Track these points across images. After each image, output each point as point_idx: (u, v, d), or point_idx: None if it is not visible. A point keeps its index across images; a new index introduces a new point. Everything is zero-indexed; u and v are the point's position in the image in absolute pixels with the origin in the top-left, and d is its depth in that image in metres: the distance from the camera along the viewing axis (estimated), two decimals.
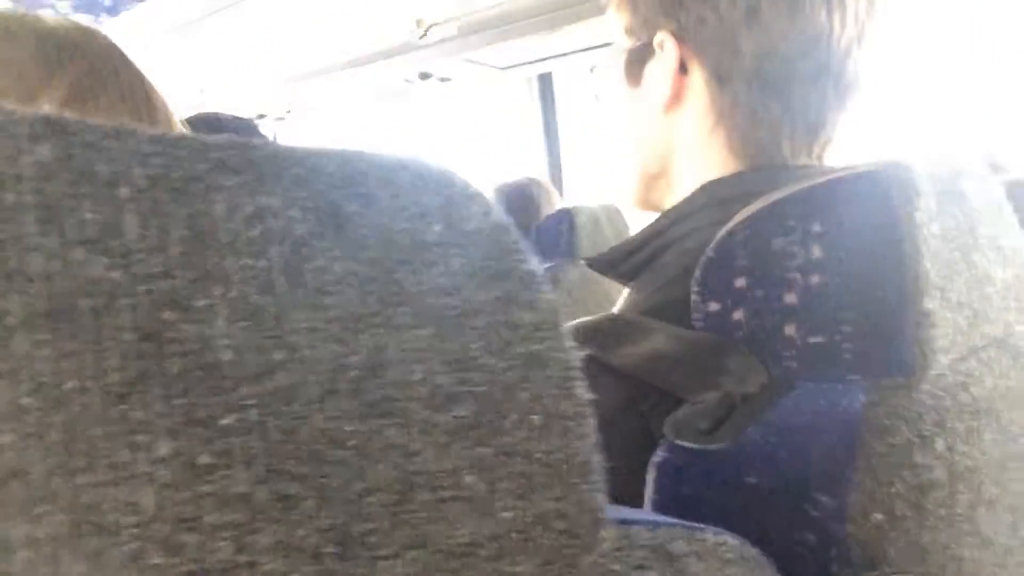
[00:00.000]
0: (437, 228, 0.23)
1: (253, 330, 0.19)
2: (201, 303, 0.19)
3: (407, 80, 2.17)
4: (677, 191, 0.72)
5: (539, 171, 2.54)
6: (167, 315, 0.19)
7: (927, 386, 0.50)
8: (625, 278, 0.68)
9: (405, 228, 0.23)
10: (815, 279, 0.52)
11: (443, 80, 2.14)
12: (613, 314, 0.60)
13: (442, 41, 1.93)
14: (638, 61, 0.72)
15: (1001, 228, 0.59)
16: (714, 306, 0.54)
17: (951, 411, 0.51)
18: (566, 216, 1.59)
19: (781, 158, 0.68)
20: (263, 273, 0.20)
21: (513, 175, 1.93)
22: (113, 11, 2.52)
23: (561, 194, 2.12)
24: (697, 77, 0.68)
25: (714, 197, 0.66)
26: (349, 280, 0.21)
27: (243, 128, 1.24)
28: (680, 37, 0.68)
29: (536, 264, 0.26)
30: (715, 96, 0.68)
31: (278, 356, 0.20)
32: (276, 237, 0.20)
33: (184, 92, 2.71)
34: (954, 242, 0.53)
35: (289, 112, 2.61)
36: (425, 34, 1.92)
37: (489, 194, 0.25)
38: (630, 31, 0.73)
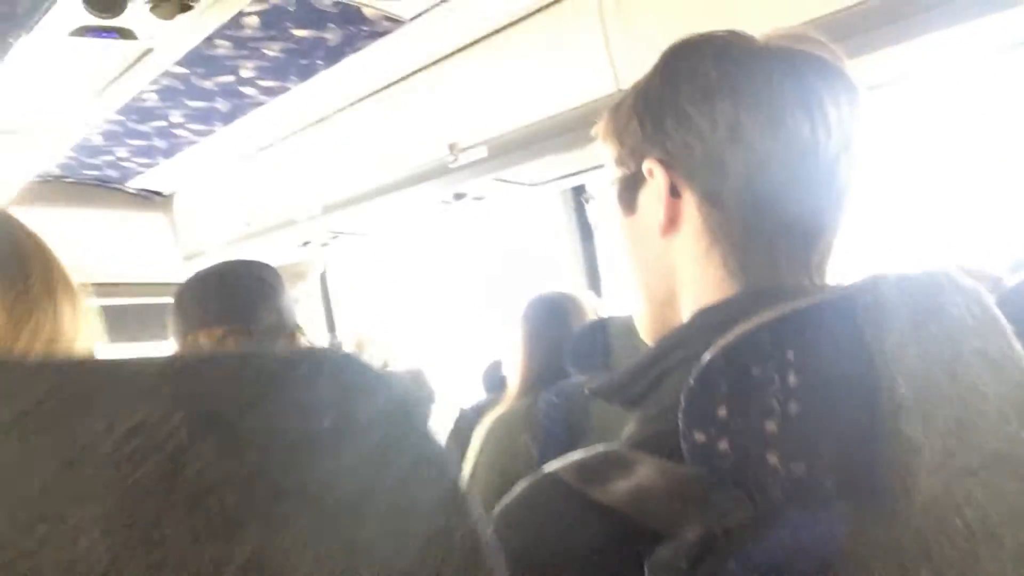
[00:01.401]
0: (328, 420, 0.24)
1: (128, 541, 0.20)
2: (72, 521, 0.20)
3: (444, 201, 2.23)
4: (684, 316, 0.72)
5: (577, 282, 2.56)
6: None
7: (913, 513, 0.49)
8: (628, 405, 0.68)
9: (292, 425, 0.24)
10: (793, 407, 0.51)
11: (477, 199, 2.20)
12: (604, 449, 0.60)
13: (474, 163, 1.99)
14: (630, 189, 0.74)
15: (992, 339, 0.57)
16: (700, 436, 0.54)
17: (940, 538, 0.49)
18: (600, 328, 1.59)
19: (777, 277, 0.67)
20: (142, 480, 0.21)
21: (549, 287, 1.95)
22: (168, 154, 2.67)
23: (600, 303, 2.13)
24: (689, 200, 0.69)
25: (708, 323, 0.66)
26: (230, 481, 0.22)
27: (265, 279, 1.29)
28: (668, 163, 0.70)
29: (438, 443, 0.27)
30: (708, 217, 0.68)
31: (155, 558, 0.21)
32: (154, 446, 0.21)
33: (232, 225, 2.82)
34: (936, 361, 0.52)
35: (335, 238, 2.69)
36: (457, 159, 1.99)
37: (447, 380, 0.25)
38: (620, 161, 0.75)
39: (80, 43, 1.67)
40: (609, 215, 0.77)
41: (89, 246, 2.83)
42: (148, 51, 1.76)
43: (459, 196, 2.16)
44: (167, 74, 1.99)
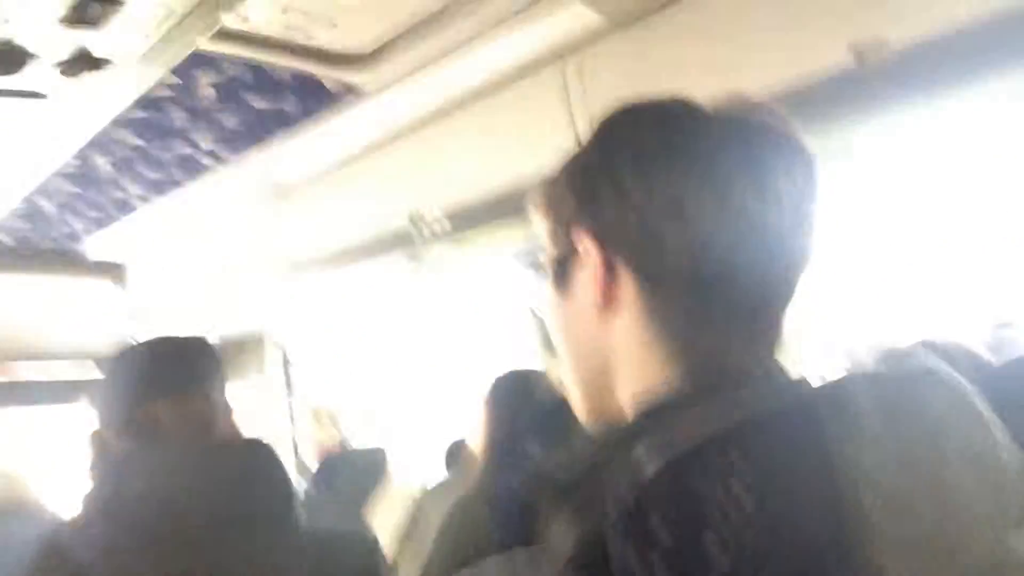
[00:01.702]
0: None
1: None
2: None
3: (407, 271, 2.19)
4: (621, 399, 0.65)
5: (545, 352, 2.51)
6: None
7: None
8: (564, 509, 0.60)
9: None
10: (747, 535, 0.46)
11: (440, 268, 2.16)
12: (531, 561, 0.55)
13: (437, 233, 1.96)
14: (564, 266, 0.68)
15: (978, 431, 0.53)
16: (636, 563, 0.47)
17: None
18: (562, 404, 1.54)
19: (723, 360, 0.61)
20: None
21: (516, 363, 1.91)
22: (123, 222, 2.61)
23: None
24: (626, 279, 0.63)
25: (646, 425, 0.58)
26: None
27: (212, 352, 1.24)
28: (602, 239, 0.63)
29: None
30: (648, 300, 0.62)
31: None
32: None
33: (188, 295, 2.75)
34: (914, 465, 0.48)
35: (296, 308, 2.63)
36: (422, 229, 1.96)
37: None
38: (552, 236, 0.69)
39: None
40: (544, 295, 0.71)
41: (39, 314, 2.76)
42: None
43: (421, 265, 2.12)
44: (120, 143, 1.95)
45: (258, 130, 1.92)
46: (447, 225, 1.91)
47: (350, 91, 1.76)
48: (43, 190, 2.24)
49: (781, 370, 0.62)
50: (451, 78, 1.74)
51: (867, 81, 1.26)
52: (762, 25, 1.39)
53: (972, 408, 0.54)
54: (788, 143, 0.64)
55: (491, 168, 1.84)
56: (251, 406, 3.31)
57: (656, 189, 0.61)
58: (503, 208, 1.83)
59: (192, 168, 2.15)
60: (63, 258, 2.91)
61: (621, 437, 0.59)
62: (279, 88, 1.74)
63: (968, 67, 1.18)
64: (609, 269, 0.63)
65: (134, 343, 1.21)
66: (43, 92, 1.52)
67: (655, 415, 0.59)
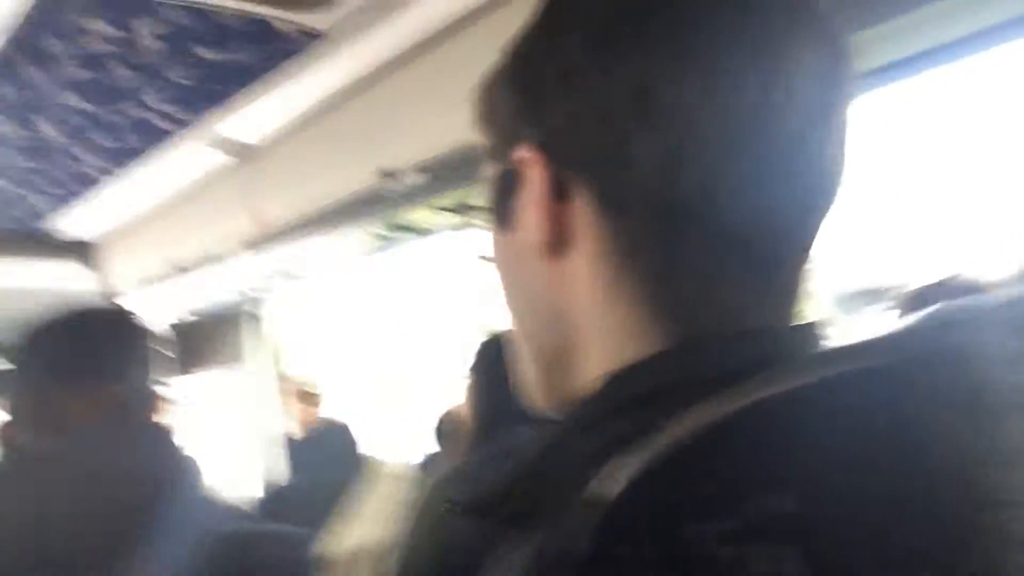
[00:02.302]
0: None
1: None
2: None
3: (380, 235, 2.05)
4: (585, 378, 0.48)
5: None
6: None
7: None
8: (507, 527, 0.44)
9: None
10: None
11: (416, 232, 2.02)
12: None
13: (411, 190, 1.82)
14: (504, 193, 0.51)
15: None
16: None
17: None
18: None
19: (722, 316, 0.44)
20: None
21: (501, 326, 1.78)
22: (84, 196, 2.46)
23: None
24: (582, 204, 0.46)
25: (615, 400, 0.43)
26: None
27: (132, 327, 1.11)
28: (547, 149, 0.47)
29: None
30: (609, 230, 0.45)
31: None
32: None
33: (153, 267, 2.62)
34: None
35: (268, 279, 2.49)
36: (394, 185, 1.82)
37: None
38: (493, 154, 0.53)
39: None
40: (491, 235, 0.55)
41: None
42: None
43: (396, 230, 1.98)
44: (68, 109, 1.81)
45: (212, 86, 1.78)
46: (421, 180, 1.77)
47: (308, 36, 1.60)
48: None
49: (809, 332, 0.46)
50: (421, 10, 1.57)
51: None
52: None
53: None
54: (811, 19, 0.45)
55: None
56: (232, 382, 3.19)
57: (616, 73, 0.44)
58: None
59: (149, 133, 2.01)
60: (26, 239, 2.78)
61: (579, 426, 0.44)
62: (230, 37, 1.59)
63: None
64: (557, 191, 0.47)
65: (47, 320, 1.07)
66: None
67: (624, 391, 0.44)
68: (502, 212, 0.52)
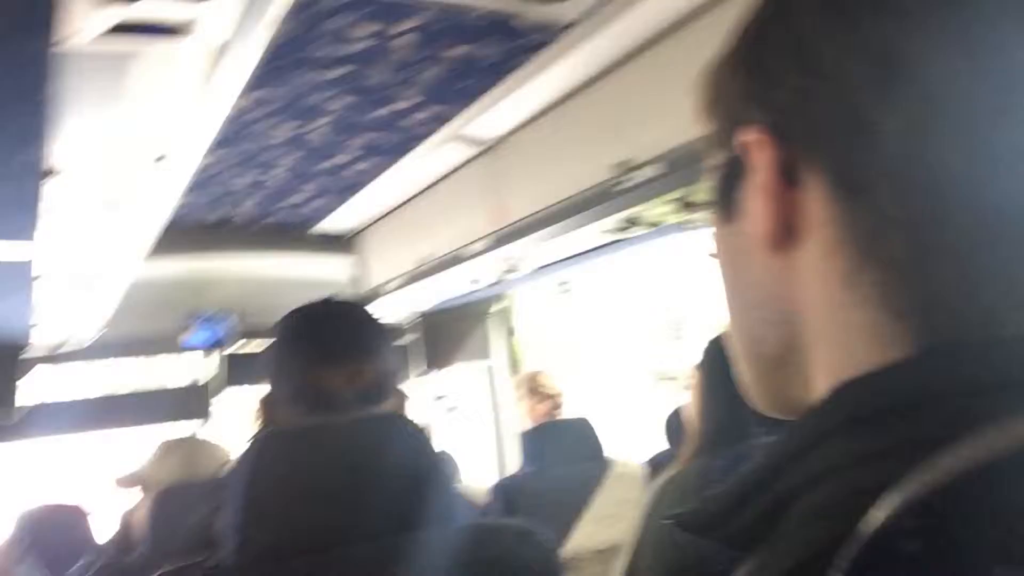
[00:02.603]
0: None
1: None
2: None
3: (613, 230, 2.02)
4: (813, 383, 0.43)
5: None
6: None
7: None
8: (737, 546, 0.41)
9: None
10: None
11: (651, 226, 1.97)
12: None
13: (648, 182, 1.78)
14: (728, 181, 0.47)
15: None
16: None
17: None
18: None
19: (982, 316, 0.37)
20: None
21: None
22: (344, 195, 2.64)
23: None
24: (816, 189, 0.41)
25: (856, 413, 0.37)
26: None
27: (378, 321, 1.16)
28: (776, 130, 0.42)
29: None
30: (847, 216, 0.40)
31: None
32: None
33: (405, 264, 2.74)
34: None
35: (508, 272, 2.54)
36: (630, 178, 1.79)
37: None
38: (719, 140, 0.48)
39: None
40: (715, 229, 0.51)
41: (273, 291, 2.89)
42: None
43: (632, 225, 1.95)
44: (328, 104, 1.94)
45: (460, 84, 1.84)
46: (659, 173, 1.72)
47: (548, 31, 1.61)
48: (266, 163, 2.31)
49: None
50: (656, 5, 1.53)
51: None
52: None
53: None
54: None
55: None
56: (476, 376, 3.31)
57: (858, 44, 0.39)
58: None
59: (404, 132, 2.12)
60: (291, 233, 3.03)
61: (814, 438, 0.39)
62: (475, 37, 1.63)
63: None
64: (788, 177, 0.42)
65: (307, 306, 1.15)
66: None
67: (865, 404, 0.38)
68: (726, 202, 0.48)
